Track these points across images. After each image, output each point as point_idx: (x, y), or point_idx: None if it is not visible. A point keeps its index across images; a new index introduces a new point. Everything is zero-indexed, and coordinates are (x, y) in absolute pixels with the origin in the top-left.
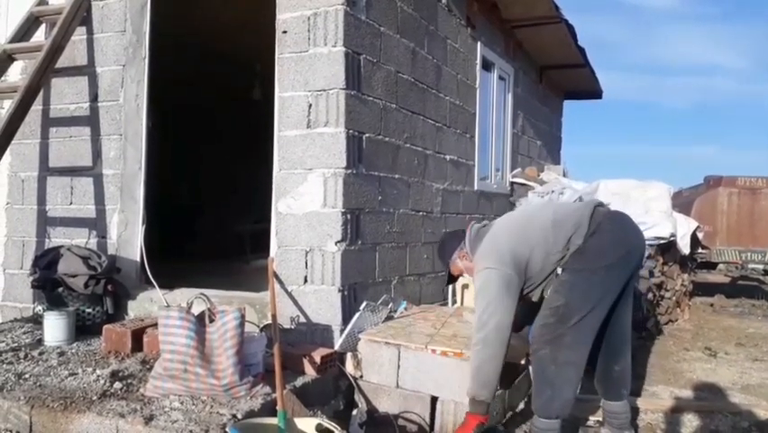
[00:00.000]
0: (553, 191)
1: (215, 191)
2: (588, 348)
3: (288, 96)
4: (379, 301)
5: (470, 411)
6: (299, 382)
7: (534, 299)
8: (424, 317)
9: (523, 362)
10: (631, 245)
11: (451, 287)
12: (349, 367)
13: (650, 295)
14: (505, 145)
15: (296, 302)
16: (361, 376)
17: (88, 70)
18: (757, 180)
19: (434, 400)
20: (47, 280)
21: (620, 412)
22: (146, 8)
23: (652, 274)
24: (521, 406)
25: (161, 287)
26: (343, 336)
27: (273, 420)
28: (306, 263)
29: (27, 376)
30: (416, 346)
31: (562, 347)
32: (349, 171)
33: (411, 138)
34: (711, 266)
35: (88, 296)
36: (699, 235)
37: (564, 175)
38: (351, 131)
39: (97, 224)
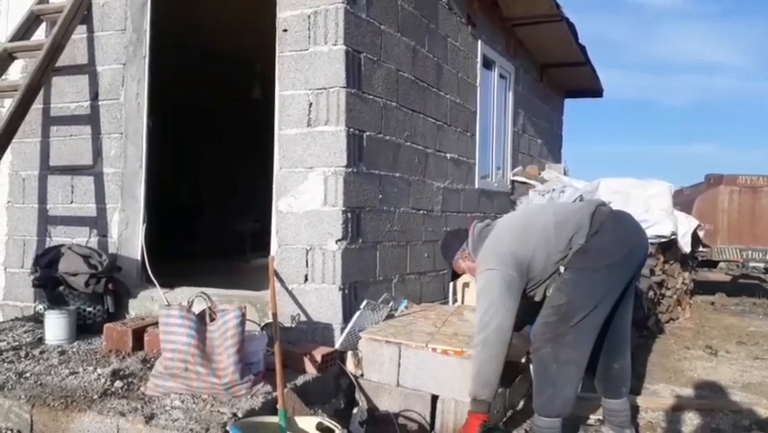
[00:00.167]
0: (553, 190)
1: (215, 191)
2: (589, 347)
3: (289, 95)
4: (380, 300)
5: (471, 410)
6: (300, 380)
7: (537, 298)
8: (424, 316)
9: (523, 360)
10: (634, 244)
11: (451, 286)
12: (349, 366)
13: (651, 293)
14: (506, 143)
15: (296, 301)
16: (362, 375)
17: (89, 69)
18: (758, 179)
19: (434, 398)
20: (48, 278)
21: (620, 410)
22: (146, 7)
23: (653, 273)
24: (521, 404)
25: (162, 286)
26: (344, 334)
27: (274, 419)
28: (307, 262)
29: (28, 375)
30: (417, 345)
31: (563, 346)
32: (349, 170)
33: (412, 136)
34: (712, 264)
35: (89, 295)
36: (700, 234)
37: (565, 173)
38: (351, 129)
39: (98, 222)
